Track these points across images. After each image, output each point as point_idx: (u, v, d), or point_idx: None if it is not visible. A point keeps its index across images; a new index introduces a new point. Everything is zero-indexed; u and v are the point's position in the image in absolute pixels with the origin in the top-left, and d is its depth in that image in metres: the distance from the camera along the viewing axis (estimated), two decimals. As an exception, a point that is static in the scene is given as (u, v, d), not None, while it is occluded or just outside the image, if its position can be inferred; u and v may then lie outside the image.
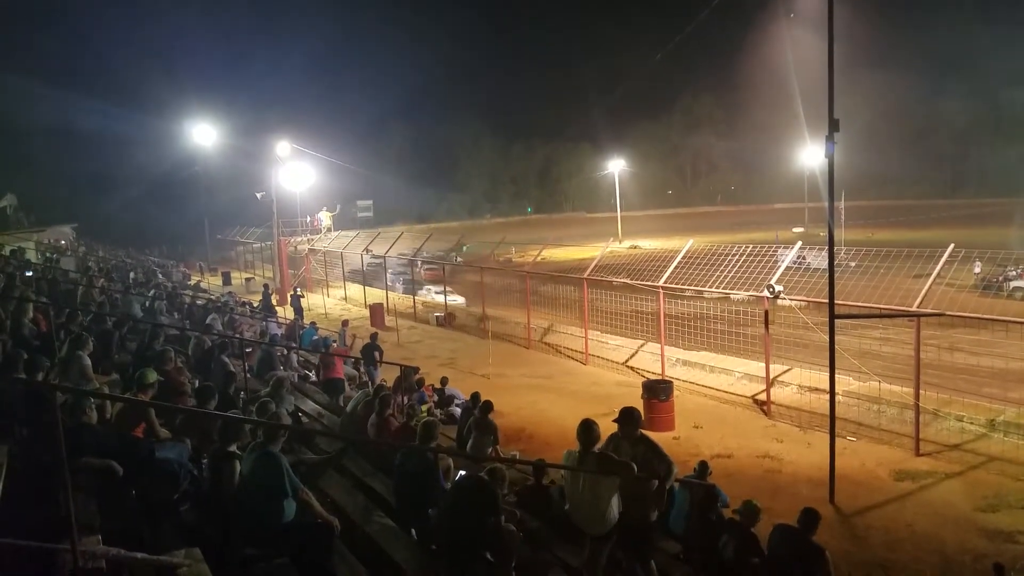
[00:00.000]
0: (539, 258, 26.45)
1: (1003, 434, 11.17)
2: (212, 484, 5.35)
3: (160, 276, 26.62)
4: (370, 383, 12.79)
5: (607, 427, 6.40)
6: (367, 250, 31.00)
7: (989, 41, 71.96)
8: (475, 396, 10.56)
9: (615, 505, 6.02)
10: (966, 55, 73.70)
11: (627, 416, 6.52)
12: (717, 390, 14.94)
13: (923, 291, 11.53)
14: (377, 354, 14.23)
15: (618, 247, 44.21)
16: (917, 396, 11.23)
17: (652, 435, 9.49)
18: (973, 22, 73.46)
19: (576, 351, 18.74)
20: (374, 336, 15.76)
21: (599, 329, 19.21)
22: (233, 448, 5.42)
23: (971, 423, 11.40)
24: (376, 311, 25.04)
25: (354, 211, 78.83)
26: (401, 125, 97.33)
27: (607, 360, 17.83)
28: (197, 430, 6.20)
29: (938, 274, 11.94)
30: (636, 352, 17.60)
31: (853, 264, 23.67)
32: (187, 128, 38.83)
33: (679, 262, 16.13)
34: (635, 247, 47.64)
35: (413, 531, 6.26)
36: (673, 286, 16.00)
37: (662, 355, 16.24)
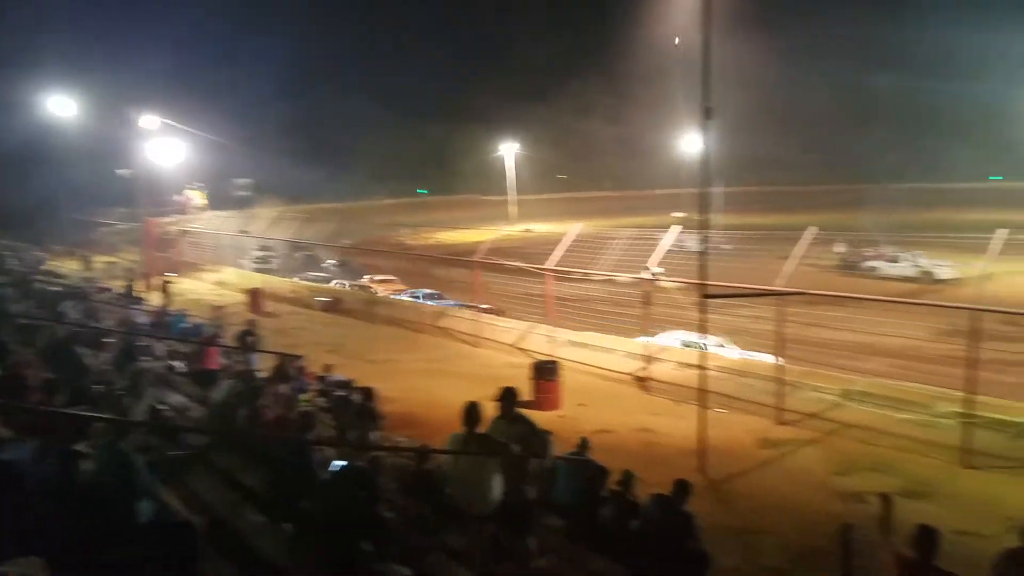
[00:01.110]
0: (432, 240, 26.26)
1: (857, 403, 12.13)
2: (59, 486, 4.97)
3: (10, 260, 24.47)
4: (247, 372, 12.29)
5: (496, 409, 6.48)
6: (244, 232, 29.72)
7: (858, 31, 77.55)
8: (351, 383, 10.34)
9: (497, 485, 6.10)
10: (837, 44, 78.46)
11: (505, 396, 6.62)
12: (602, 369, 15.37)
13: (787, 272, 12.26)
14: (252, 340, 13.66)
15: (511, 230, 44.61)
16: (780, 370, 11.99)
17: (539, 414, 9.63)
18: (847, 11, 78.92)
19: (468, 334, 18.78)
20: (251, 323, 15.12)
21: (494, 311, 19.33)
22: (81, 447, 5.06)
23: (828, 393, 12.29)
24: (255, 296, 24.03)
25: (232, 190, 75.11)
26: (288, 102, 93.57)
27: (499, 343, 17.98)
28: (43, 428, 5.74)
29: (802, 256, 12.74)
30: (527, 334, 17.84)
31: (729, 247, 24.89)
32: (42, 99, 35.77)
33: (568, 246, 16.46)
34: (528, 231, 48.14)
35: (288, 525, 6.08)
36: (561, 269, 16.31)
37: (551, 337, 16.54)
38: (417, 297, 24.12)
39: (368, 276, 29.37)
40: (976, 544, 5.37)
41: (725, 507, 8.91)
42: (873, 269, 33.37)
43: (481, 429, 6.33)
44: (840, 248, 34.99)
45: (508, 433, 6.45)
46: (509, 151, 76.79)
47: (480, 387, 13.30)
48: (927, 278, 30.87)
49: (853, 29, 78.53)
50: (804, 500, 9.05)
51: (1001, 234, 10.57)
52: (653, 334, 15.45)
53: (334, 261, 33.81)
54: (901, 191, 58.22)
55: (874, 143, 69.83)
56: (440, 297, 24.12)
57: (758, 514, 8.71)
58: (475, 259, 18.32)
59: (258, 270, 29.89)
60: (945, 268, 30.22)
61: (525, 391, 12.36)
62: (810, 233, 13.00)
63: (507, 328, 18.35)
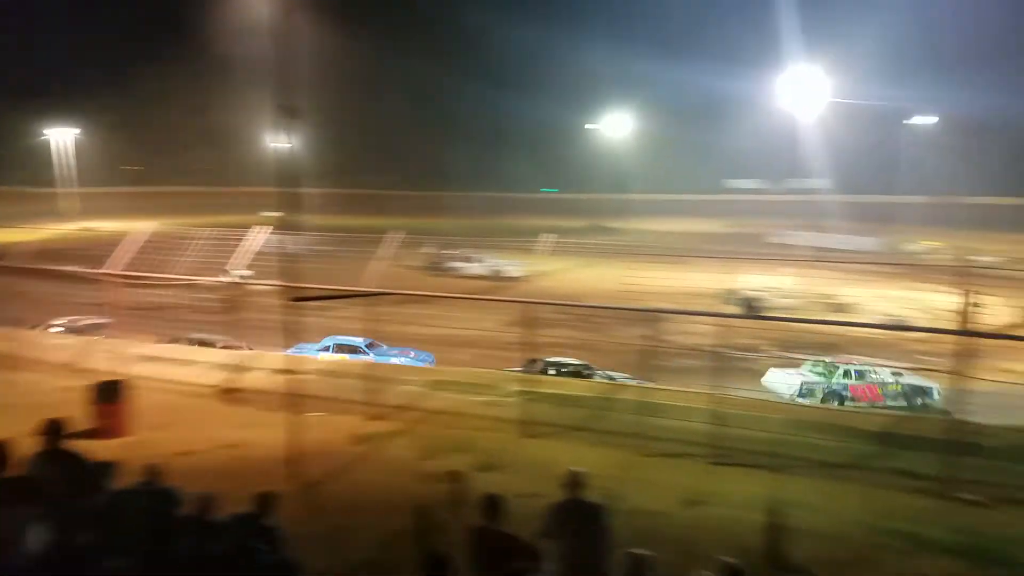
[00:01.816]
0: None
1: (441, 391, 13.11)
2: None
3: None
4: None
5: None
6: None
7: (442, 47, 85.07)
8: None
9: (39, 534, 5.02)
10: (421, 58, 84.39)
11: (49, 429, 5.56)
12: (184, 384, 14.03)
13: (376, 273, 12.66)
14: None
15: (68, 228, 38.29)
16: (373, 366, 12.34)
17: (102, 443, 8.24)
18: (432, 29, 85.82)
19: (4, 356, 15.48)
20: None
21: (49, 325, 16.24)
22: None
23: (417, 385, 13.06)
24: None
25: None
26: None
27: (50, 363, 15.17)
28: None
29: (391, 257, 13.29)
30: (87, 351, 15.38)
31: (321, 248, 24.90)
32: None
33: (140, 247, 14.63)
34: (87, 229, 41.76)
35: None
36: (129, 273, 14.42)
37: (118, 352, 14.53)
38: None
39: None
40: (538, 504, 6.08)
41: (318, 510, 8.80)
42: (455, 269, 36.70)
43: (14, 471, 5.19)
44: (429, 250, 37.74)
45: (51, 472, 5.39)
46: (61, 136, 65.61)
47: (17, 421, 11.07)
48: (498, 276, 35.00)
49: (438, 46, 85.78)
50: (394, 488, 9.40)
51: (548, 238, 12.36)
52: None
53: None
54: (476, 198, 65.64)
55: (453, 153, 77.29)
56: None
57: (351, 510, 8.79)
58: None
59: None
60: (512, 267, 34.73)
61: (82, 418, 10.65)
62: (396, 236, 13.65)
63: (60, 346, 15.63)
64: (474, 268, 36.58)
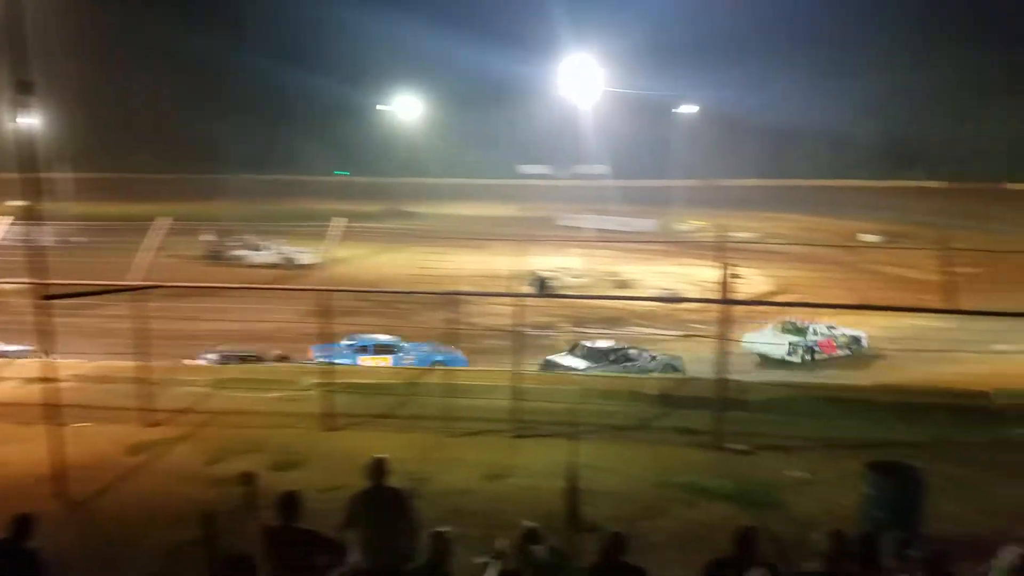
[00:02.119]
0: None
1: (228, 390, 12.22)
2: None
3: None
4: None
5: None
6: None
7: (213, 16, 78.61)
8: None
9: None
10: (189, 26, 77.16)
11: None
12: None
13: (142, 264, 11.45)
14: None
15: None
16: (144, 370, 11.17)
17: None
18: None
19: None
20: None
21: None
22: None
23: (199, 386, 12.06)
24: None
25: None
26: None
27: None
28: None
29: (159, 247, 12.04)
30: None
31: (79, 240, 22.17)
32: None
33: None
34: None
35: None
36: None
37: None
38: None
39: None
40: (342, 497, 5.88)
41: (91, 528, 7.85)
42: (240, 258, 34.48)
43: None
44: (208, 237, 35.08)
45: None
46: None
47: None
48: (290, 264, 33.43)
49: (214, 16, 79.33)
50: (178, 497, 8.60)
51: (339, 222, 11.86)
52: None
53: None
54: (259, 181, 61.95)
55: (230, 132, 71.39)
56: None
57: (129, 524, 7.93)
58: None
59: None
60: (305, 254, 33.26)
61: None
62: (164, 223, 12.37)
63: None
64: (261, 256, 34.67)
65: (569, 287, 30.86)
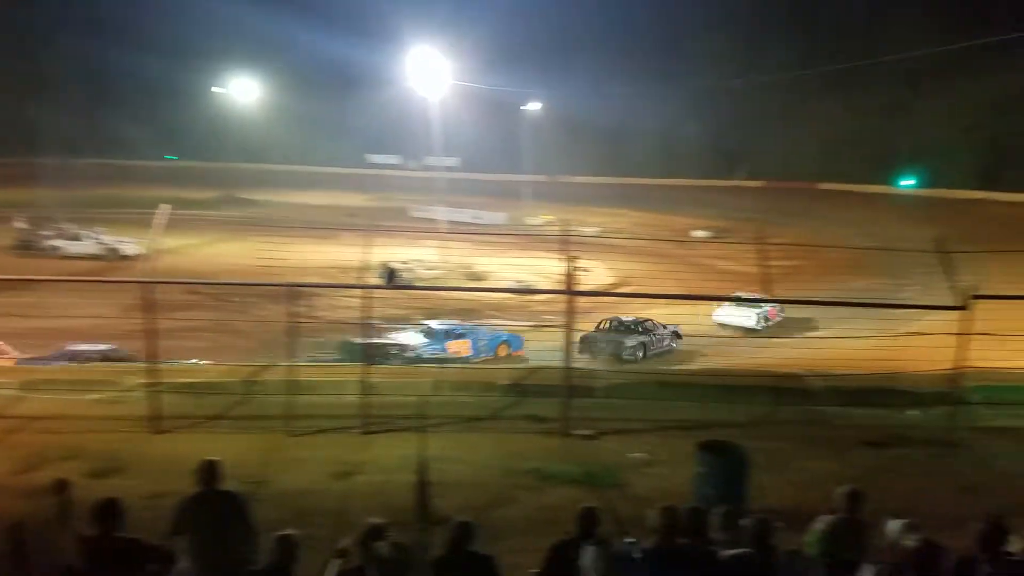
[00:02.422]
0: None
1: (41, 392, 11.02)
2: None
3: None
4: None
5: None
6: None
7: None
8: None
9: None
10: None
11: None
12: None
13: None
14: None
15: None
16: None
17: None
18: None
19: None
20: None
21: None
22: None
23: (5, 388, 10.80)
24: None
25: None
26: None
27: None
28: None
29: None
30: None
31: None
32: None
33: None
34: None
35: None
36: None
37: None
38: None
39: None
40: (170, 504, 5.49)
41: None
42: (56, 248, 31.37)
43: None
44: (20, 225, 31.67)
45: None
46: None
47: None
48: (113, 255, 30.86)
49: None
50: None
51: (164, 209, 10.97)
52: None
53: None
54: (80, 166, 56.35)
55: (45, 113, 64.34)
56: None
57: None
58: None
59: None
60: (130, 244, 30.74)
61: None
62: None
63: None
64: (80, 246, 31.70)
65: (422, 279, 30.73)
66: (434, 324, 19.96)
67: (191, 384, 11.70)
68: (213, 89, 71.98)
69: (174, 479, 7.71)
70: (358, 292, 10.60)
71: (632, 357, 20.57)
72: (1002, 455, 9.75)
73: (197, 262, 28.84)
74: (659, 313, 22.22)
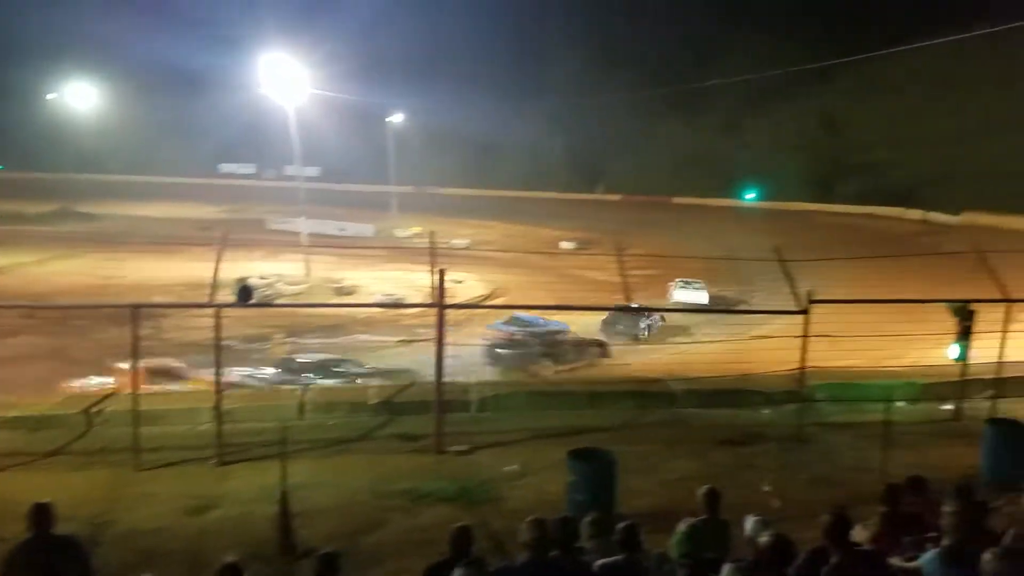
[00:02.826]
0: None
1: None
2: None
3: None
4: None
5: None
6: None
7: None
8: None
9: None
10: None
11: None
12: None
13: None
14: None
15: None
16: None
17: None
18: None
19: None
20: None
21: None
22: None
23: None
24: None
25: None
26: None
27: None
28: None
29: None
30: None
31: None
32: None
33: None
34: None
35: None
36: None
37: None
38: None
39: None
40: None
41: None
42: None
43: None
44: None
45: None
46: None
47: None
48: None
49: None
50: None
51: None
52: None
53: None
54: None
55: None
56: None
57: None
58: None
59: None
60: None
61: None
62: None
63: None
64: None
65: (284, 294, 29.51)
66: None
67: (22, 418, 10.56)
68: (48, 96, 66.01)
69: (5, 524, 6.88)
70: (210, 311, 9.88)
71: (644, 335, 24.46)
72: (845, 448, 10.51)
73: (29, 282, 26.14)
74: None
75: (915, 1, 59.66)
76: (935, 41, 37.64)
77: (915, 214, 58.77)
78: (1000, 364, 11.46)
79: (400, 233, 52.30)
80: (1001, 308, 11.25)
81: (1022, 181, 54.90)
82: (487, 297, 31.03)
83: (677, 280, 29.55)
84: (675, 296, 28.95)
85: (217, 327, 9.58)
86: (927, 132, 63.10)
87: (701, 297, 28.80)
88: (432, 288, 10.51)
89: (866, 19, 66.02)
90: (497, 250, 42.33)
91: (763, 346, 12.61)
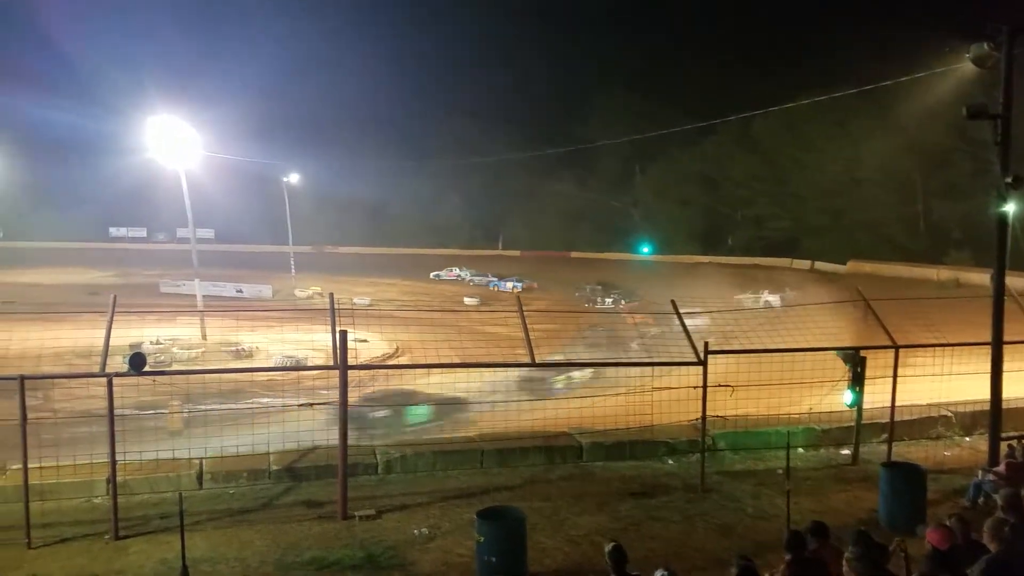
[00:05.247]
0: None
1: None
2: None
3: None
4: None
5: None
6: None
7: None
8: None
9: None
10: None
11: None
12: None
13: None
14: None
15: None
16: None
17: None
18: None
19: None
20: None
21: None
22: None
23: None
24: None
25: None
26: None
27: None
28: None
29: None
30: None
31: None
32: None
33: None
34: None
35: None
36: None
37: None
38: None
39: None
40: None
41: None
42: None
43: None
44: None
45: None
46: None
47: None
48: None
49: None
50: None
51: None
52: None
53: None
54: None
55: None
56: None
57: None
58: None
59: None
60: None
61: None
62: None
63: None
64: None
65: (180, 359, 28.24)
66: None
67: None
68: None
69: None
70: (102, 380, 9.42)
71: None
72: (748, 496, 10.80)
73: None
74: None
75: (786, 61, 64.51)
76: (797, 103, 41.03)
77: (803, 264, 62.90)
78: (892, 408, 11.93)
79: (300, 293, 51.15)
80: (890, 353, 11.73)
81: (895, 230, 60.12)
82: (391, 356, 30.69)
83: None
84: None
85: (110, 396, 9.14)
86: (800, 187, 67.78)
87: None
88: (334, 348, 10.38)
89: (738, 79, 70.18)
90: (400, 308, 42.06)
91: (666, 397, 13.01)
